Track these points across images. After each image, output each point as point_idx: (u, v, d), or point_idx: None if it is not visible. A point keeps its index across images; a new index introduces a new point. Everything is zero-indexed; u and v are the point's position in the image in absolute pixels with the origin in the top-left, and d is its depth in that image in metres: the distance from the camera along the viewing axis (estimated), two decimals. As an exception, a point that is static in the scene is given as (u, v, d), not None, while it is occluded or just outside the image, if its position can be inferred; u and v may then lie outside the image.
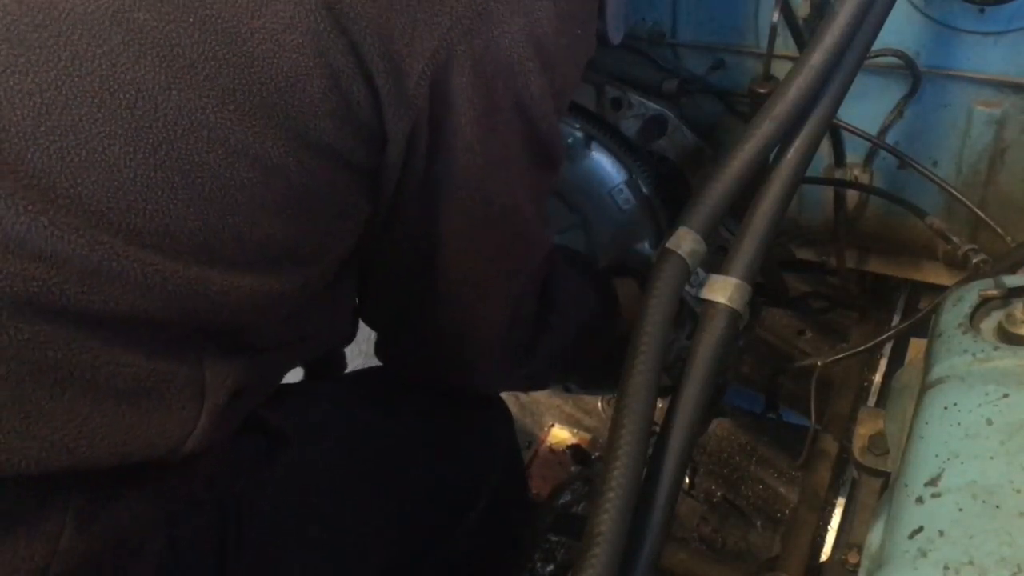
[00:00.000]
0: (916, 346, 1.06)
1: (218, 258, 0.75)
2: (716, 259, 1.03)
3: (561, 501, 1.59)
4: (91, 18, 0.68)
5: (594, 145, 1.35)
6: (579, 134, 1.33)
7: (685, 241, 0.98)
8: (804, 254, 1.50)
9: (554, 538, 1.93)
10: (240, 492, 0.93)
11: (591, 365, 1.39)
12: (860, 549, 0.89)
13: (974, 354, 0.84)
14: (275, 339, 0.89)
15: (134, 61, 0.69)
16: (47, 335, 0.69)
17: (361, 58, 0.74)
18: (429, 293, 0.98)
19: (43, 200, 0.67)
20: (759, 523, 1.97)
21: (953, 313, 0.90)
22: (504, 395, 2.24)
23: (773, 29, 1.18)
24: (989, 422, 0.77)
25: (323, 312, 0.97)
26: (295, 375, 1.17)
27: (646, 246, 1.39)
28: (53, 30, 0.68)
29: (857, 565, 0.89)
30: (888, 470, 0.93)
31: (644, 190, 1.35)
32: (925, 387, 0.85)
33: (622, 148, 1.34)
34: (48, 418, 0.70)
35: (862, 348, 1.35)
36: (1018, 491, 0.71)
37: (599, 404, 2.19)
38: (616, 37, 1.11)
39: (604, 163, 1.35)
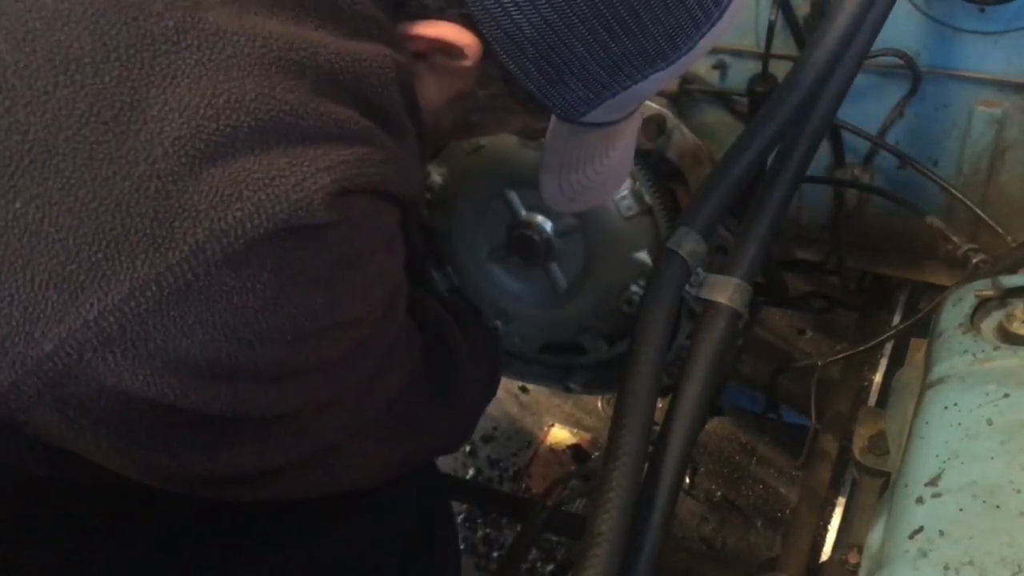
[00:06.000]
0: (916, 346, 1.06)
1: None
2: (716, 259, 1.03)
3: (557, 499, 1.58)
4: None
5: None
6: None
7: (686, 241, 0.98)
8: (804, 254, 1.50)
9: (554, 538, 1.94)
10: None
11: None
12: (860, 549, 0.89)
13: (974, 354, 0.84)
14: None
15: None
16: None
17: None
18: None
19: None
20: (759, 523, 1.97)
21: (953, 313, 0.90)
22: (504, 395, 2.27)
23: (771, 28, 1.18)
24: (989, 422, 0.77)
25: None
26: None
27: (645, 254, 1.38)
28: None
29: (857, 565, 0.89)
30: (888, 470, 0.93)
31: (647, 199, 1.35)
32: (925, 387, 0.85)
33: (627, 155, 1.34)
34: None
35: (862, 348, 1.35)
36: (1018, 491, 0.71)
37: (599, 404, 2.19)
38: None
39: None
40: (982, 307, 0.90)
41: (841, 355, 1.37)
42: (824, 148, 1.30)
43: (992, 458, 0.74)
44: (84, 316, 0.61)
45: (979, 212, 1.22)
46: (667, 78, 0.82)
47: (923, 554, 0.69)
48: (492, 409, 2.23)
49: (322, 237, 0.67)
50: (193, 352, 0.64)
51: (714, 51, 1.32)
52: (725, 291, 0.97)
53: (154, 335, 0.63)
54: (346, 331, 0.73)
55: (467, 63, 0.77)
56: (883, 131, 1.28)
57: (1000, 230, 1.19)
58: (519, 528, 1.58)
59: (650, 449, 0.90)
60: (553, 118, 0.84)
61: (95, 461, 0.69)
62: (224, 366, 0.66)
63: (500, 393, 2.25)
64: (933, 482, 0.74)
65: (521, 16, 0.74)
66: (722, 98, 1.34)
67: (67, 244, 0.61)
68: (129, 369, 0.63)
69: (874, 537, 0.84)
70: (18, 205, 0.60)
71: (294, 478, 0.81)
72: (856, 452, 0.98)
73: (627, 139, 0.95)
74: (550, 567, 1.92)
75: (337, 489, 0.89)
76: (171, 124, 0.62)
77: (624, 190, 1.35)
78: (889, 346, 1.46)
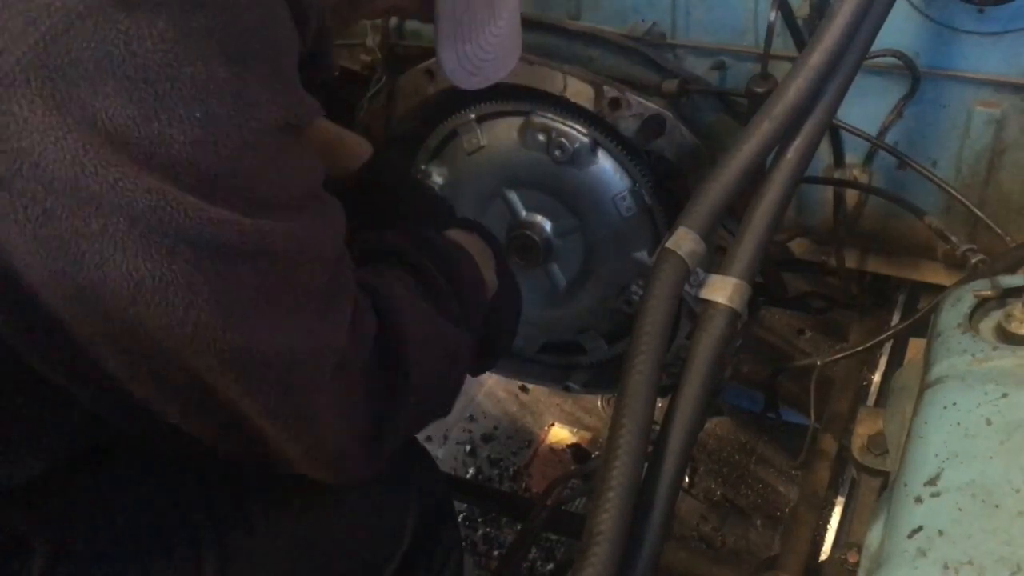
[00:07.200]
0: (916, 346, 1.07)
1: None
2: (716, 259, 1.03)
3: (557, 498, 1.58)
4: None
5: (600, 151, 1.35)
6: (585, 140, 1.33)
7: (685, 241, 0.98)
8: (804, 254, 1.50)
9: (554, 537, 1.94)
10: None
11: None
12: (859, 548, 0.89)
13: (973, 354, 0.84)
14: None
15: None
16: None
17: None
18: None
19: None
20: (759, 522, 1.97)
21: (952, 313, 0.90)
22: (504, 394, 2.27)
23: (770, 28, 1.18)
24: (988, 422, 0.77)
25: None
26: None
27: (644, 254, 1.39)
28: None
29: (857, 564, 0.89)
30: (887, 470, 0.93)
31: (647, 199, 1.35)
32: (924, 387, 0.85)
33: (628, 155, 1.34)
34: None
35: (862, 348, 1.35)
36: (1017, 491, 0.71)
37: (599, 403, 2.19)
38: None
39: (609, 170, 1.35)
40: (981, 307, 0.90)
41: (841, 355, 1.37)
42: (824, 148, 1.30)
43: (991, 458, 0.74)
44: None
45: (978, 212, 1.22)
46: None
47: (922, 553, 0.70)
48: (492, 409, 2.24)
49: None
50: (101, 113, 0.64)
51: (714, 51, 1.32)
52: (724, 291, 0.97)
53: (59, 82, 0.63)
54: (257, 140, 0.71)
55: None
56: (882, 131, 1.28)
57: (999, 230, 1.19)
58: (519, 528, 1.58)
59: (650, 449, 0.90)
60: None
61: (21, 276, 0.67)
62: (136, 141, 0.65)
63: (500, 393, 2.26)
64: (932, 482, 0.75)
65: None
66: (722, 98, 1.34)
67: None
68: (42, 124, 0.63)
69: (873, 536, 0.85)
70: None
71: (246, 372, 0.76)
72: (855, 452, 0.98)
73: (511, 9, 1.03)
74: (550, 566, 1.92)
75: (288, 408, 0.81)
76: None
77: (624, 190, 1.35)
78: (889, 346, 1.46)
